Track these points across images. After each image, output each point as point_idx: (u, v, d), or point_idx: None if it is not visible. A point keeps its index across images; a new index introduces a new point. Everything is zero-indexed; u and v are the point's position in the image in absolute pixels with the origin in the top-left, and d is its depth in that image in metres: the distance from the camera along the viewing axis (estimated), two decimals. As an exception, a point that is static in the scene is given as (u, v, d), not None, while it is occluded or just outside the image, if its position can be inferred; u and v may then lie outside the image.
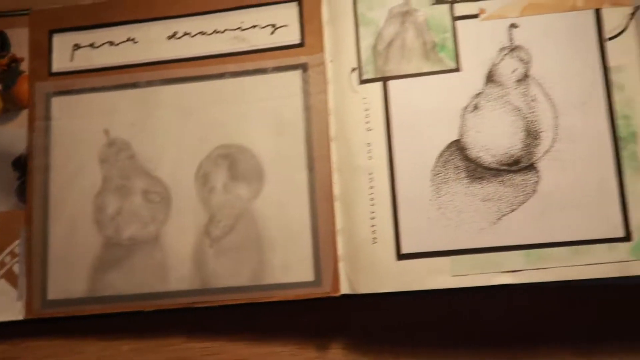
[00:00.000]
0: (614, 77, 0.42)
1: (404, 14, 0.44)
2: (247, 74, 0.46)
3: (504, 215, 0.41)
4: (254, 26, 0.46)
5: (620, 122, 0.41)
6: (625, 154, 0.41)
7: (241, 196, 0.44)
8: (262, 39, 0.46)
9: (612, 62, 0.42)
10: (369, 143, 0.43)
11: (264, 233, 0.44)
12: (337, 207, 0.43)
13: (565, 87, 0.42)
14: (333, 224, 0.43)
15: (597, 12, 0.43)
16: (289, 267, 0.43)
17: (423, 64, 0.43)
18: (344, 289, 0.42)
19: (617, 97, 0.42)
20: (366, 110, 0.44)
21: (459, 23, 0.44)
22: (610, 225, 0.41)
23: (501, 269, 0.41)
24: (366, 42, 0.44)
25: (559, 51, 0.42)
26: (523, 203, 0.41)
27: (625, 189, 0.41)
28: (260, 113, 0.45)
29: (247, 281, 0.43)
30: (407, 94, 0.43)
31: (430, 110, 0.43)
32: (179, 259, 0.44)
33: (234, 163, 0.45)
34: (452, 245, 0.41)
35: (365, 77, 0.44)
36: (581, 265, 0.40)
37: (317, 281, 0.43)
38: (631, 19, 0.42)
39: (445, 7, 0.44)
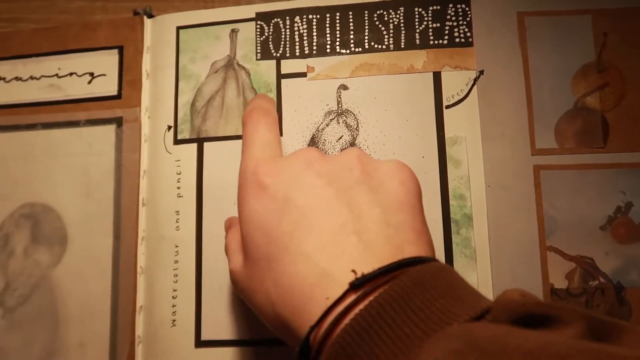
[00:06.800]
0: (451, 151, 0.37)
1: (227, 69, 0.40)
2: (59, 126, 0.41)
3: (317, 303, 0.36)
4: (72, 74, 0.42)
5: (454, 203, 0.36)
6: (457, 240, 0.36)
7: (40, 262, 0.40)
8: (78, 89, 0.41)
9: (449, 133, 0.37)
10: (177, 211, 0.39)
11: (60, 306, 0.39)
12: (141, 281, 0.39)
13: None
14: (134, 300, 0.38)
15: (437, 76, 0.38)
16: (85, 346, 0.38)
17: (242, 126, 0.39)
18: (136, 376, 0.37)
19: (452, 174, 0.37)
20: (178, 174, 0.39)
21: (285, 82, 0.39)
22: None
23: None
24: (184, 98, 0.40)
25: (389, 118, 0.38)
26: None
27: (454, 280, 0.36)
28: (69, 170, 0.41)
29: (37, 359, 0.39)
30: (222, 159, 0.39)
31: (246, 178, 0.38)
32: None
33: (37, 224, 0.40)
34: (257, 333, 0.36)
35: (180, 136, 0.39)
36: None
37: (112, 364, 0.38)
38: (474, 84, 0.37)
39: (271, 63, 0.39)
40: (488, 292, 0.35)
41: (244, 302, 0.37)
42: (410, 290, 0.22)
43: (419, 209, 0.27)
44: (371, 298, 0.22)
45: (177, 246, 0.38)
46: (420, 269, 0.23)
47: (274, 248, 0.25)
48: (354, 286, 0.22)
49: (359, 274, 0.23)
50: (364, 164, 0.27)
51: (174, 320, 0.37)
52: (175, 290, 0.38)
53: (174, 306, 0.38)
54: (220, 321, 0.37)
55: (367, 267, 0.23)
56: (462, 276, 0.24)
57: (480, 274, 0.35)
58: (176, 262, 0.38)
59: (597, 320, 0.19)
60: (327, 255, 0.24)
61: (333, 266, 0.24)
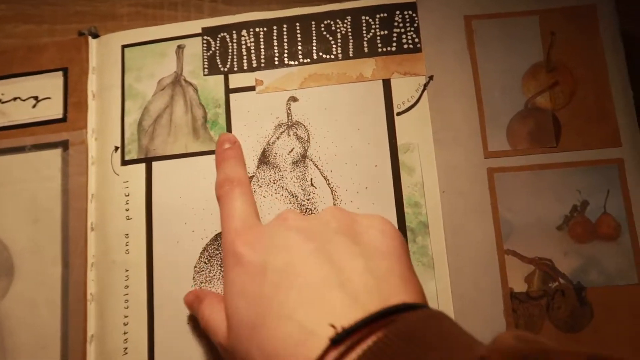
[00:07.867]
0: (404, 158, 0.36)
1: (174, 86, 0.39)
2: (4, 153, 0.40)
3: (273, 322, 0.35)
4: (16, 98, 0.41)
5: (409, 211, 0.36)
6: (414, 249, 0.35)
7: (-13, 295, 0.38)
8: (23, 113, 0.40)
9: (401, 140, 0.36)
10: (127, 234, 0.37)
11: (8, 340, 0.37)
12: (92, 309, 0.37)
13: (347, 170, 0.36)
14: (85, 329, 0.37)
15: (387, 84, 0.37)
16: (35, 380, 0.37)
17: (191, 143, 0.38)
18: (87, 410, 0.36)
19: (406, 181, 0.36)
20: (127, 195, 0.38)
21: (233, 96, 0.38)
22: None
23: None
24: (131, 118, 0.39)
25: (340, 128, 0.37)
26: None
27: (413, 290, 0.35)
28: (16, 197, 0.39)
29: (-15, 398, 0.37)
30: (172, 178, 0.37)
31: (196, 197, 0.37)
32: None
33: (-17, 256, 0.39)
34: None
35: (128, 157, 0.38)
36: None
37: (63, 398, 0.36)
38: (424, 90, 0.37)
39: (219, 78, 0.39)
40: (447, 301, 0.34)
41: (197, 328, 0.35)
42: (397, 344, 0.20)
43: (405, 257, 0.26)
44: (354, 355, 0.20)
45: (127, 270, 0.37)
46: (408, 318, 0.22)
47: (257, 314, 0.25)
48: (335, 342, 0.21)
49: (338, 329, 0.21)
50: (341, 217, 0.28)
51: (126, 349, 0.36)
52: (126, 317, 0.36)
53: (125, 333, 0.36)
54: (173, 348, 0.35)
55: (352, 320, 0.22)
56: (454, 320, 0.23)
57: (438, 282, 0.34)
58: (127, 287, 0.36)
59: (599, 358, 0.18)
60: (309, 312, 0.23)
61: (315, 323, 0.22)
